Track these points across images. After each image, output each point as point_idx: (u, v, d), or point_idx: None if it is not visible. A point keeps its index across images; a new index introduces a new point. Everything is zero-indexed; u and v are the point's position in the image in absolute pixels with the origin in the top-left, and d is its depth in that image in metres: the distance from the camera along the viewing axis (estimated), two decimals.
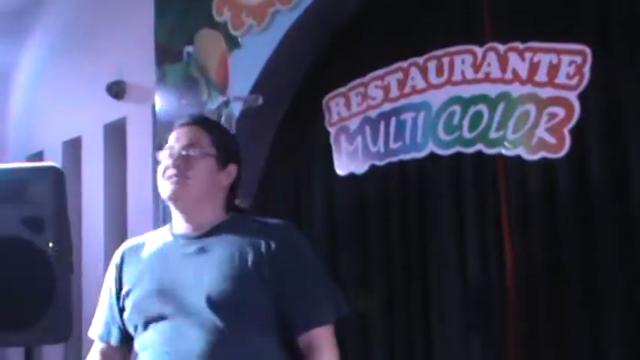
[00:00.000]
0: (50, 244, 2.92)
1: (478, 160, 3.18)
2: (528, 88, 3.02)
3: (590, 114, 2.92)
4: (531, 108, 3.00)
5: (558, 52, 2.95)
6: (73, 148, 5.41)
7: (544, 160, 2.97)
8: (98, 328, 2.18)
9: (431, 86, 3.27)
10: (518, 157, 3.03)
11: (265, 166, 3.77)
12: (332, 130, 3.57)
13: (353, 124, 3.49)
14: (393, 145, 3.36)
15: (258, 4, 3.69)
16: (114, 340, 2.15)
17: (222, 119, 3.67)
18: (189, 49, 3.99)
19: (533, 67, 3.00)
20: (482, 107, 3.12)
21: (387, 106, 3.39)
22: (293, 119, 3.78)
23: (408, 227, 3.43)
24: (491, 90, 3.11)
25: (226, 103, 3.75)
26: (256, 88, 3.67)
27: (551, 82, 2.97)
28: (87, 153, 5.29)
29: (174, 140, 2.09)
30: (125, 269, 2.13)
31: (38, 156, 5.58)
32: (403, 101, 3.34)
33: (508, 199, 3.13)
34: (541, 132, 2.97)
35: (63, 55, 5.57)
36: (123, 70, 4.80)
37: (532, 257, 3.07)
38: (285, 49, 3.62)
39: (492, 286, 3.15)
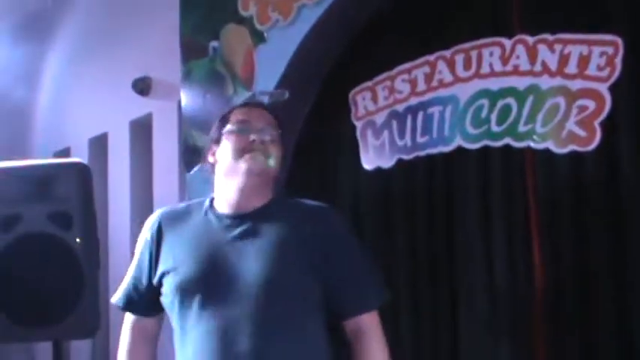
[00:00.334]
0: (77, 240, 2.93)
1: (506, 154, 3.15)
2: (558, 81, 2.99)
3: (621, 106, 2.88)
4: (561, 101, 2.97)
5: (589, 43, 2.92)
6: (99, 144, 5.43)
7: (574, 153, 2.94)
8: (122, 297, 2.14)
9: (458, 79, 3.25)
10: (547, 151, 3.00)
11: (291, 161, 3.76)
12: (358, 125, 3.55)
13: (380, 118, 3.48)
14: (420, 139, 3.35)
15: None
16: (140, 311, 2.12)
17: None
18: (214, 44, 3.98)
19: (563, 59, 2.97)
20: (511, 100, 3.10)
21: (414, 100, 3.37)
22: (319, 114, 3.76)
23: (435, 222, 3.40)
24: (520, 83, 3.09)
25: (252, 98, 3.74)
26: (282, 83, 3.66)
27: (581, 74, 2.93)
28: (113, 149, 5.30)
29: (255, 118, 2.06)
30: (165, 240, 2.07)
31: (65, 153, 5.60)
32: (430, 95, 3.33)
33: (536, 193, 3.09)
34: (571, 125, 2.94)
35: (89, 53, 5.59)
36: (148, 66, 4.80)
37: (560, 252, 3.03)
38: (311, 43, 3.61)
39: (519, 281, 3.11)
